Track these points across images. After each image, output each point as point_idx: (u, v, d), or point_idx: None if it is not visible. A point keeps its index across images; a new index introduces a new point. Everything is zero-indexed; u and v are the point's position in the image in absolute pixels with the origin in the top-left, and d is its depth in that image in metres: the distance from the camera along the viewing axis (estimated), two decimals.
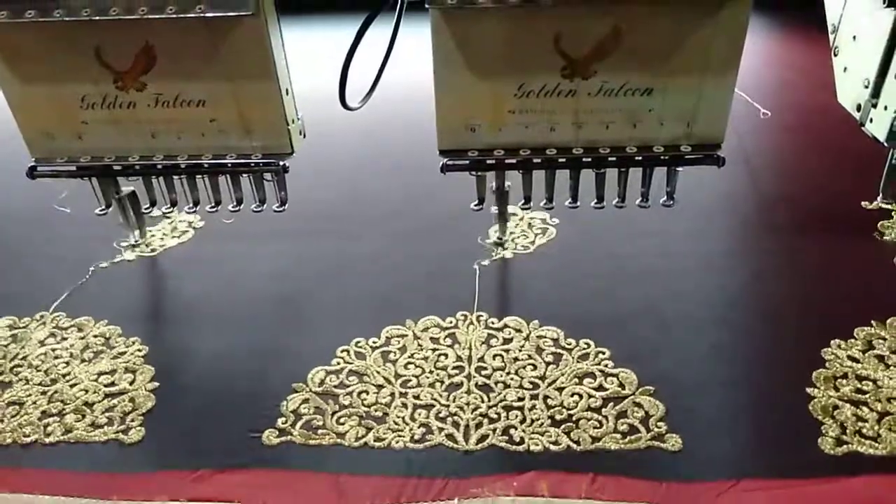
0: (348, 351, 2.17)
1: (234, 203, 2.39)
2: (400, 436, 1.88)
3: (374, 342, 2.20)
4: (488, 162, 2.19)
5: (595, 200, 2.35)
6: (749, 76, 3.96)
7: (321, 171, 3.21)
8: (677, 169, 2.25)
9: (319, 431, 1.91)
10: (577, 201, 2.35)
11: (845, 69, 1.92)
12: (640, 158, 2.18)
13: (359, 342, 2.19)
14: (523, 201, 2.34)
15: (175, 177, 2.33)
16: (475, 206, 2.38)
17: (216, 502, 1.72)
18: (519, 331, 2.21)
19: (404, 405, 1.97)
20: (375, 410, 1.96)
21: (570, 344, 2.15)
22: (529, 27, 1.89)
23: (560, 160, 2.18)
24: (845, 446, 1.77)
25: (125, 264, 2.65)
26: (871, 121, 1.81)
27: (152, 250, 2.72)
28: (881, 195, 2.05)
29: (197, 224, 2.86)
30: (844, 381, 1.96)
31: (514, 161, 2.19)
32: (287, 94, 2.12)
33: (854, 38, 1.85)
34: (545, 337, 2.18)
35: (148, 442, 1.91)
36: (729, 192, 2.92)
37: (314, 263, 2.60)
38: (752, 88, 3.74)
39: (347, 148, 3.46)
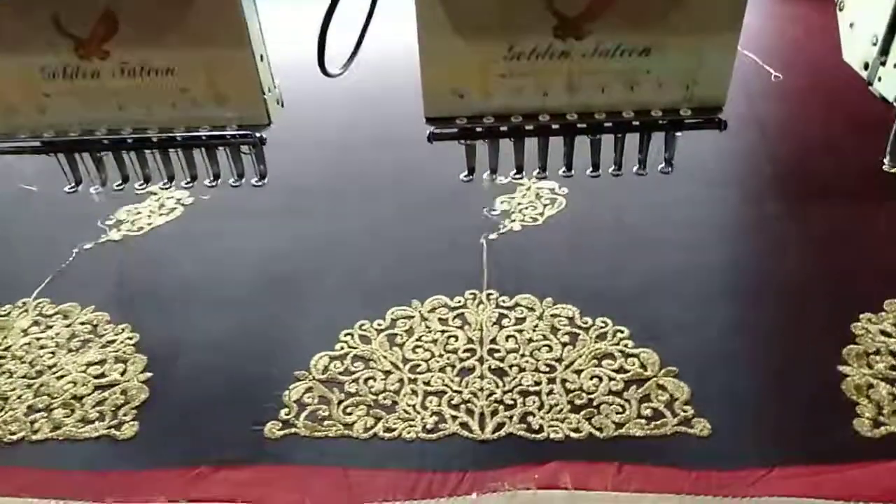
0: (352, 334, 2.05)
1: (211, 178, 2.23)
2: (411, 425, 1.77)
3: (379, 324, 2.07)
4: (477, 129, 2.05)
5: (590, 168, 2.24)
6: (758, 37, 3.80)
7: (309, 143, 3.04)
8: (677, 134, 2.14)
9: (325, 422, 1.80)
10: (572, 170, 2.23)
11: (851, 25, 1.78)
12: (637, 123, 2.06)
13: (363, 325, 2.07)
14: (515, 171, 2.22)
15: (147, 151, 2.17)
16: (465, 177, 2.25)
17: (218, 502, 1.62)
18: (532, 309, 2.09)
19: (414, 392, 1.86)
20: (384, 398, 1.85)
21: (586, 322, 2.03)
22: None
23: (553, 127, 2.04)
24: (882, 428, 1.68)
25: (110, 245, 2.50)
26: (879, 80, 1.68)
27: (139, 229, 2.57)
28: (888, 158, 1.92)
29: (186, 201, 2.70)
30: (878, 358, 1.86)
31: (504, 128, 2.05)
32: (262, 60, 1.95)
33: None
34: (560, 315, 2.06)
35: (142, 437, 1.79)
36: (745, 158, 2.79)
37: (311, 241, 2.46)
38: (761, 50, 3.57)
39: (335, 118, 3.27)
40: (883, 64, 1.63)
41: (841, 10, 1.82)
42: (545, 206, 2.54)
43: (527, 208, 2.54)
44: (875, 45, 1.64)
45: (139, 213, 2.65)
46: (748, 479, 1.59)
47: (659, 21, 1.78)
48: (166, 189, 2.31)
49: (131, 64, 1.93)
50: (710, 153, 2.74)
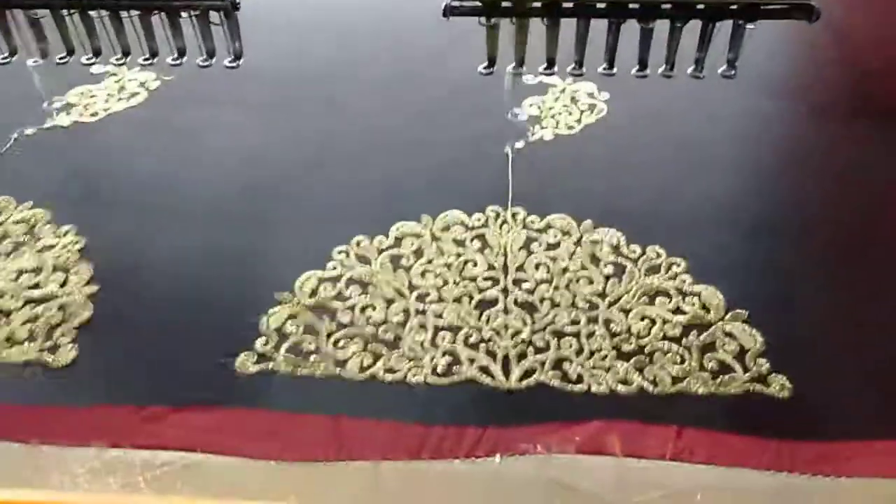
0: (348, 252, 1.67)
1: (175, 54, 1.81)
2: (418, 367, 1.43)
3: (380, 242, 1.70)
4: (503, 5, 1.67)
5: (637, 67, 1.88)
6: None
7: (301, 22, 2.57)
8: (748, 27, 1.76)
9: (311, 358, 1.45)
10: (614, 67, 1.87)
11: None
12: (704, 7, 1.67)
13: (361, 242, 1.70)
14: (545, 65, 1.85)
15: (94, 15, 1.75)
16: (484, 68, 1.88)
17: (172, 450, 1.28)
18: (567, 233, 1.72)
19: (422, 326, 1.51)
20: (385, 332, 1.50)
21: (634, 252, 1.67)
22: None
23: (599, 5, 1.66)
24: None
25: (58, 131, 2.08)
26: None
27: (93, 115, 2.15)
28: None
29: (151, 84, 2.26)
30: None
31: (537, 4, 1.67)
32: None
33: None
34: (601, 242, 1.70)
35: (83, 365, 1.45)
36: (818, 67, 2.36)
37: (302, 140, 2.06)
38: None
39: None
40: None
41: None
42: (582, 112, 2.13)
43: (560, 114, 2.12)
44: None
45: (94, 96, 2.21)
46: (844, 452, 1.27)
47: None
48: (120, 66, 1.91)
49: None
50: (771, 57, 2.32)
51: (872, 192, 1.86)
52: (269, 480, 1.25)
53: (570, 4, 1.70)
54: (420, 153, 2.00)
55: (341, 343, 1.48)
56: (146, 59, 1.86)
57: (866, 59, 2.40)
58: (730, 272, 1.62)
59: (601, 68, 2.04)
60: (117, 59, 1.85)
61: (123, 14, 1.74)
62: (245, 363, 1.43)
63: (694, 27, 1.87)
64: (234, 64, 1.81)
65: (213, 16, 1.90)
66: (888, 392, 1.38)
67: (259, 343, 1.47)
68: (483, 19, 1.83)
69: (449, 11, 1.67)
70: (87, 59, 1.93)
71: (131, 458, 1.25)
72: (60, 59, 1.94)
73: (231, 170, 1.95)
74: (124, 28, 1.77)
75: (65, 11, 1.76)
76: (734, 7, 1.70)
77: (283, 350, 1.46)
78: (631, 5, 1.71)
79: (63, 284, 1.59)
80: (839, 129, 2.09)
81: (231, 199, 1.86)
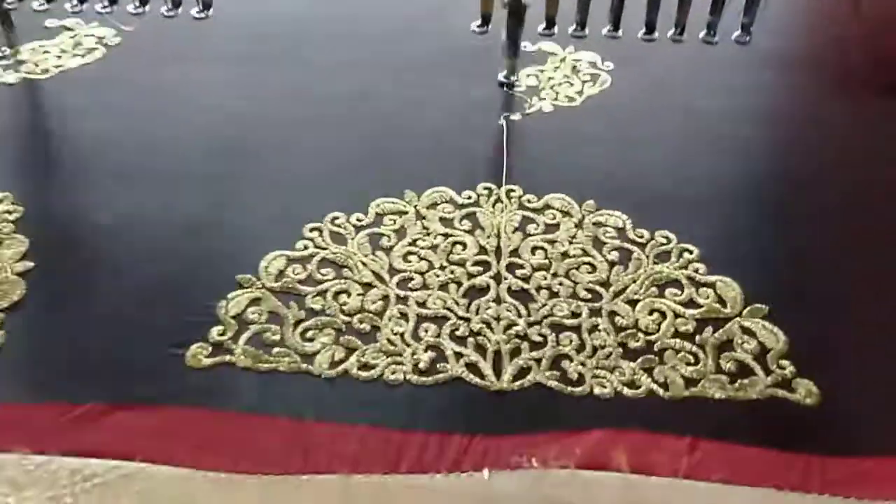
0: (321, 230, 1.48)
1: (137, 3, 1.61)
2: (397, 363, 1.25)
3: (358, 220, 1.52)
4: None
5: (643, 30, 1.74)
6: None
7: None
8: None
9: (275, 350, 1.26)
10: (619, 28, 1.74)
11: None
12: None
13: (337, 219, 1.51)
14: (544, 24, 1.72)
15: None
16: (478, 26, 1.72)
17: (107, 458, 1.09)
18: (568, 214, 1.55)
19: (403, 316, 1.33)
20: (361, 322, 1.31)
21: (641, 236, 1.50)
22: None
23: None
24: None
25: (2, 89, 1.86)
26: None
27: (44, 71, 1.93)
28: None
29: (111, 40, 2.04)
30: None
31: None
32: None
33: None
34: (605, 225, 1.52)
35: (8, 354, 1.25)
36: (843, 39, 2.18)
37: (275, 101, 1.87)
38: None
39: None
40: None
41: None
42: (584, 83, 1.94)
43: (560, 84, 1.94)
44: None
45: (47, 52, 1.99)
46: (883, 470, 1.11)
47: None
48: (77, 13, 1.70)
49: None
50: (792, 28, 2.15)
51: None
52: (221, 495, 1.07)
53: None
54: (407, 121, 1.81)
55: (310, 334, 1.29)
56: (104, 7, 1.64)
57: (887, 31, 2.22)
58: (748, 261, 1.45)
59: (605, 30, 1.88)
60: (72, 7, 1.64)
61: None
62: (198, 355, 1.24)
63: None
64: (202, 14, 1.61)
65: None
66: None
67: (215, 332, 1.28)
68: None
69: None
70: (40, 5, 1.71)
71: (57, 467, 1.07)
72: (9, 3, 1.72)
73: (193, 134, 1.75)
74: None
75: None
76: None
77: (242, 341, 1.27)
78: None
79: None
80: (860, 105, 1.91)
81: (191, 167, 1.66)
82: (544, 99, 1.89)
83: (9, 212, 1.49)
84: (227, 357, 1.25)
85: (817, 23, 2.25)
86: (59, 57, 1.98)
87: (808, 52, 2.14)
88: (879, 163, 1.71)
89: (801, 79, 2.01)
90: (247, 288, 1.36)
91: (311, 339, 1.28)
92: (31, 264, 1.39)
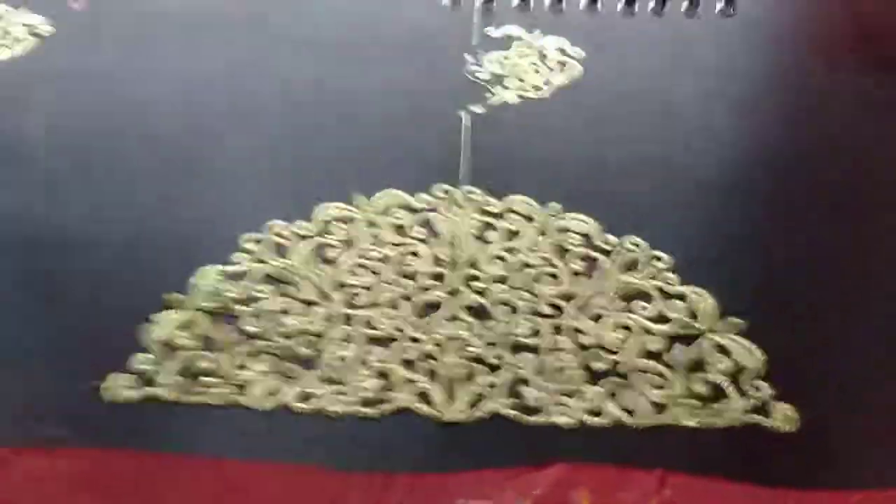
0: (260, 241, 1.36)
1: None
2: (340, 392, 1.14)
3: (302, 228, 1.39)
4: None
5: (623, 2, 1.64)
6: None
7: None
8: None
9: (206, 380, 1.14)
10: (598, 2, 1.63)
11: None
12: None
13: (277, 227, 1.38)
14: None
15: None
16: (449, 2, 1.61)
17: None
18: (530, 219, 1.43)
19: (349, 338, 1.21)
20: (301, 345, 1.20)
21: (608, 243, 1.39)
22: None
23: None
24: None
25: None
26: None
27: None
28: None
29: (42, 29, 1.88)
30: None
31: None
32: None
33: None
34: (570, 230, 1.41)
35: None
36: (829, 17, 2.06)
37: (213, 87, 1.73)
38: None
39: None
40: None
41: None
42: (551, 70, 1.82)
43: (527, 72, 1.81)
44: None
45: None
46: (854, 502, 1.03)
47: None
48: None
49: None
50: (780, 8, 2.04)
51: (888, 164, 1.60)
52: None
53: None
54: (355, 110, 1.68)
55: (246, 361, 1.17)
56: None
57: (877, 11, 2.11)
58: (724, 271, 1.35)
59: (582, 3, 1.76)
60: None
61: None
62: (117, 387, 1.12)
63: None
64: None
65: None
66: None
67: (139, 359, 1.16)
68: None
69: None
70: None
71: None
72: None
73: (123, 132, 1.61)
74: None
75: None
76: None
77: (169, 370, 1.15)
78: None
79: None
80: (852, 89, 1.80)
81: (128, 168, 1.52)
82: (508, 88, 1.76)
83: None
84: (152, 389, 1.13)
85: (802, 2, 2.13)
86: None
87: (790, 32, 2.02)
88: (871, 161, 1.61)
89: (783, 62, 1.90)
90: (175, 309, 1.24)
91: (244, 368, 1.17)
92: None
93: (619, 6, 1.49)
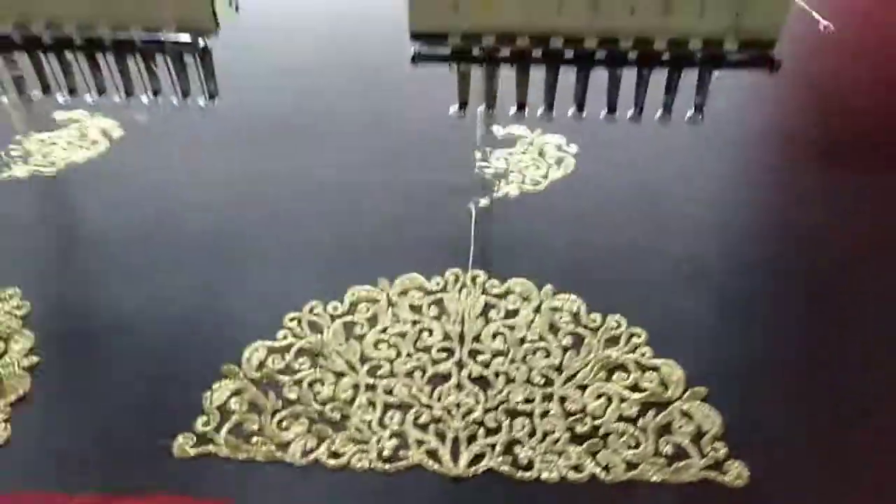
0: (300, 320, 1.62)
1: (150, 92, 1.76)
2: (363, 451, 1.37)
3: (334, 309, 1.65)
4: (475, 52, 1.68)
5: (605, 110, 1.86)
6: None
7: (261, 67, 2.53)
8: (714, 74, 1.76)
9: (253, 440, 1.39)
10: (584, 110, 1.87)
11: None
12: (670, 58, 1.68)
13: (315, 308, 1.65)
14: (515, 108, 1.85)
15: (69, 54, 1.70)
16: (457, 111, 1.86)
17: None
18: (527, 299, 1.68)
19: (371, 404, 1.46)
20: (332, 410, 1.44)
21: (594, 321, 1.62)
22: None
23: (567, 55, 1.67)
24: None
25: (13, 184, 2.03)
26: None
27: (51, 164, 2.10)
28: None
29: (114, 132, 2.22)
30: None
31: (507, 53, 1.68)
32: None
33: None
34: (562, 309, 1.65)
35: (17, 445, 1.39)
36: (791, 120, 2.33)
37: (261, 191, 2.02)
38: None
39: (298, 35, 2.74)
40: None
41: None
42: (549, 166, 2.09)
43: (528, 167, 2.08)
44: None
45: (53, 143, 2.16)
46: None
47: None
48: (94, 106, 1.85)
49: None
50: (749, 110, 2.30)
51: (850, 252, 1.81)
52: None
53: (540, 53, 1.69)
54: (382, 206, 1.96)
55: (286, 423, 1.42)
56: (121, 99, 1.81)
57: (839, 109, 2.37)
58: (691, 342, 1.57)
59: (570, 111, 2.02)
60: (92, 99, 1.80)
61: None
62: (184, 446, 1.38)
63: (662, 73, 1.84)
64: (207, 104, 1.78)
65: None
66: (852, 486, 1.33)
67: (200, 422, 1.42)
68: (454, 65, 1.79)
69: (417, 58, 1.66)
70: (64, 98, 1.87)
71: None
72: (35, 96, 1.88)
73: (186, 225, 1.90)
74: (100, 68, 1.74)
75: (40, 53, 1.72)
76: (697, 57, 1.70)
77: (224, 430, 1.41)
78: (597, 55, 1.69)
79: (2, 355, 1.54)
80: (815, 186, 2.05)
81: (186, 257, 1.80)
82: (511, 182, 2.03)
83: (17, 307, 1.64)
84: (210, 447, 1.38)
85: (771, 101, 2.39)
86: (66, 149, 2.15)
87: (761, 130, 2.28)
88: (826, 242, 1.84)
89: (754, 157, 2.15)
90: (230, 378, 1.50)
91: (286, 429, 1.41)
92: (36, 359, 1.54)
93: (602, 114, 1.75)
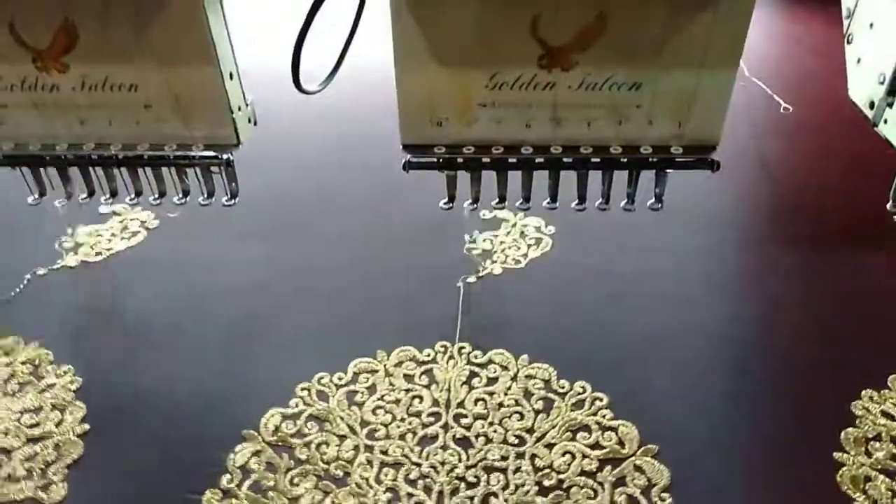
0: (309, 389, 1.89)
1: (181, 195, 2.08)
2: (362, 503, 1.62)
3: (339, 378, 1.92)
4: (458, 160, 1.96)
5: (576, 201, 2.13)
6: (768, 63, 3.59)
7: (279, 164, 2.86)
8: (667, 171, 2.02)
9: (269, 494, 1.65)
10: (557, 202, 2.12)
11: (859, 60, 1.63)
12: (625, 160, 1.95)
13: (322, 378, 1.92)
14: (497, 200, 2.11)
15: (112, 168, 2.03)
16: (444, 204, 2.13)
17: None
18: (506, 368, 1.94)
19: (369, 462, 1.71)
20: (336, 468, 1.70)
21: (563, 387, 1.87)
22: (503, 10, 1.60)
23: (537, 160, 1.95)
24: None
25: (65, 271, 2.35)
26: (885, 122, 1.52)
27: (97, 254, 2.42)
28: (891, 203, 1.78)
29: (151, 223, 2.55)
30: (878, 445, 1.70)
31: (486, 160, 1.95)
32: (231, 78, 1.81)
33: (871, 25, 1.55)
34: (535, 377, 1.91)
35: (71, 502, 1.65)
36: (747, 200, 2.61)
37: (275, 277, 2.30)
38: (771, 78, 3.38)
39: (310, 137, 3.08)
40: (890, 105, 1.49)
41: (849, 43, 1.67)
42: (529, 246, 2.38)
43: (510, 248, 2.37)
44: (882, 83, 1.49)
45: (100, 235, 2.49)
46: None
47: (651, 55, 1.64)
48: (133, 204, 2.16)
49: (92, 78, 1.81)
50: (707, 191, 2.57)
51: (796, 327, 2.06)
52: None
53: (514, 160, 1.95)
54: (382, 287, 2.24)
55: (296, 480, 1.68)
56: (155, 200, 2.12)
57: (793, 197, 2.64)
58: (646, 406, 1.81)
59: (545, 202, 2.28)
60: (131, 199, 2.11)
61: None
62: (211, 500, 1.64)
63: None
64: (230, 202, 2.08)
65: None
66: None
67: (225, 479, 1.67)
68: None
69: (408, 166, 1.91)
70: (107, 199, 2.17)
71: None
72: (83, 199, 2.19)
73: (214, 304, 2.19)
74: (138, 175, 2.04)
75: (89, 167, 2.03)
76: (652, 159, 1.93)
77: (245, 487, 1.66)
78: (564, 160, 1.94)
79: (59, 424, 1.82)
80: (766, 263, 2.31)
81: (211, 334, 2.09)
82: (496, 262, 2.32)
83: (71, 382, 1.93)
84: (233, 501, 1.64)
85: (731, 188, 2.67)
86: (110, 240, 2.48)
87: (719, 211, 2.55)
88: (773, 319, 2.09)
89: (711, 237, 2.41)
90: (250, 442, 1.76)
91: (297, 485, 1.67)
92: (87, 427, 1.81)
93: (573, 204, 2.03)
